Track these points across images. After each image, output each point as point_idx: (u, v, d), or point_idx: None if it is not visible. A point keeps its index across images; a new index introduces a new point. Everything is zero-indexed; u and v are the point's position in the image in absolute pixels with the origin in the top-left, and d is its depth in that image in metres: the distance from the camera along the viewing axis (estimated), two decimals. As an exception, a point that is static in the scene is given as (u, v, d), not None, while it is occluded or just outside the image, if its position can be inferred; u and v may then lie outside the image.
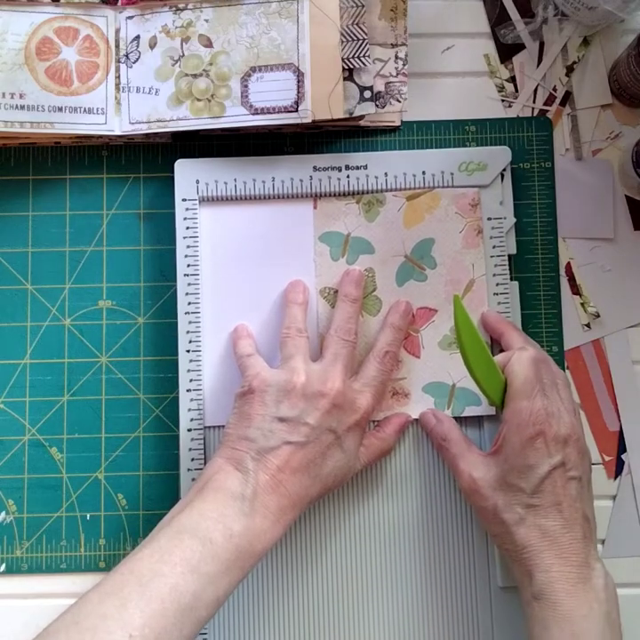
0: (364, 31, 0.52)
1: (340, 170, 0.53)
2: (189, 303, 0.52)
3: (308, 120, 0.51)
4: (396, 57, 0.54)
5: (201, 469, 0.50)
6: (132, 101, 0.53)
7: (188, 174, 0.53)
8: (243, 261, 0.53)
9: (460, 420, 0.52)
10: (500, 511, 0.45)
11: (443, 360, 0.52)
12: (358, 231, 0.53)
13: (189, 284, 0.52)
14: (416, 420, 0.52)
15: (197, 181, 0.53)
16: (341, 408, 0.47)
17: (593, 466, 0.53)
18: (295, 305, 0.51)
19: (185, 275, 0.52)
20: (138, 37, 0.53)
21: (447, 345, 0.52)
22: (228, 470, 0.45)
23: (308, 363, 0.48)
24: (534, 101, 0.56)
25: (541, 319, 0.54)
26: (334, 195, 0.53)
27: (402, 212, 0.53)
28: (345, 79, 0.52)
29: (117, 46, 0.54)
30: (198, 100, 0.52)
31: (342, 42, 0.52)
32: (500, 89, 0.57)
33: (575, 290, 0.55)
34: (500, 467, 0.46)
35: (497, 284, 0.53)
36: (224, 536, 0.42)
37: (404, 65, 0.54)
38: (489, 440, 0.52)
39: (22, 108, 0.52)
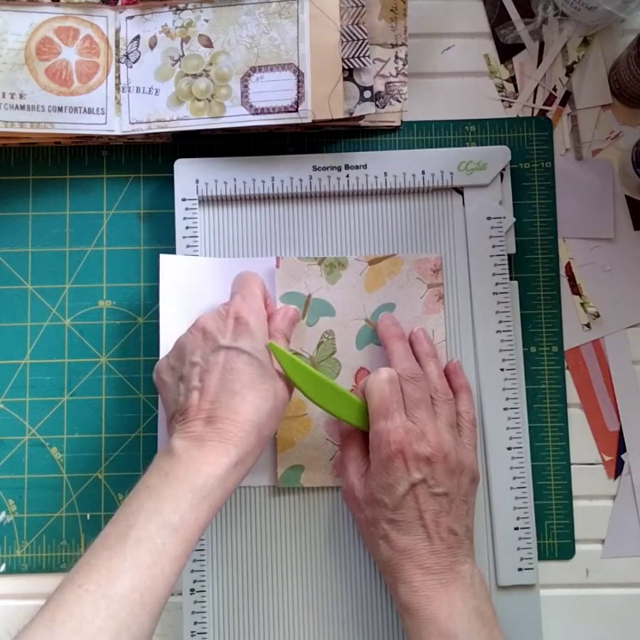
0: (363, 31, 0.52)
1: (339, 169, 0.53)
2: None
3: (308, 120, 0.51)
4: (396, 57, 0.54)
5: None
6: (132, 101, 0.53)
7: (188, 174, 0.53)
8: None
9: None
10: (369, 524, 0.47)
11: None
12: (319, 293, 0.52)
13: None
14: None
15: (197, 181, 0.53)
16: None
17: (592, 466, 0.53)
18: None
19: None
20: (138, 37, 0.53)
21: None
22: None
23: None
24: (534, 101, 0.56)
25: (541, 319, 0.54)
26: (333, 195, 0.54)
27: (363, 276, 0.53)
28: (345, 79, 0.52)
29: (117, 46, 0.54)
30: (198, 100, 0.52)
31: (342, 42, 0.52)
32: (500, 89, 0.57)
33: (575, 290, 0.55)
34: (370, 483, 0.47)
35: (496, 284, 0.52)
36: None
37: (404, 65, 0.54)
38: None
39: (22, 108, 0.52)
